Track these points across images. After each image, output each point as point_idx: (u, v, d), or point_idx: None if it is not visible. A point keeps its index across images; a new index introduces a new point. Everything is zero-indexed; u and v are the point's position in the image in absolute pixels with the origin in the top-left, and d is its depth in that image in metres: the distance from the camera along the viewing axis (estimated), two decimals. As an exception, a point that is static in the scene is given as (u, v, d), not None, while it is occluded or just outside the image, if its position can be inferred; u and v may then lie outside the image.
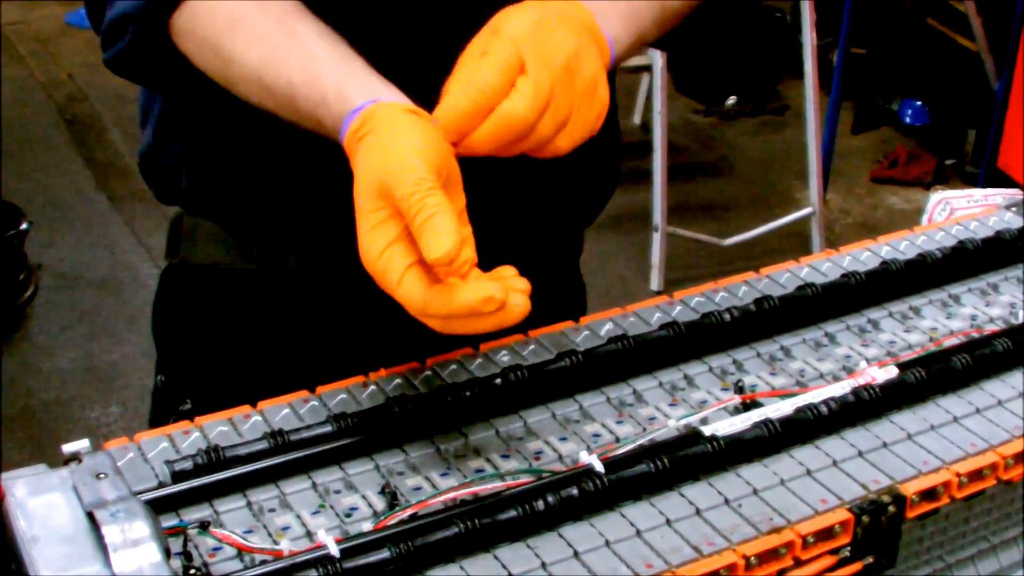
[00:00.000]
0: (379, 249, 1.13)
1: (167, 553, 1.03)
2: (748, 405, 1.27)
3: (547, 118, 1.23)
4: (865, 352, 1.38)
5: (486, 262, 1.37)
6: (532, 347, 1.36)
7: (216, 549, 1.08)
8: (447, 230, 1.09)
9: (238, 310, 1.64)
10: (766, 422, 1.20)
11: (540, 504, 1.09)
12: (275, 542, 1.09)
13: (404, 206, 1.11)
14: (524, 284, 1.16)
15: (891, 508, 1.15)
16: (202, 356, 1.69)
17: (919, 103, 5.54)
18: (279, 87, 1.31)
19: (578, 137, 1.27)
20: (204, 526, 1.09)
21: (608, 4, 1.38)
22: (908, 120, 5.56)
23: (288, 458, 1.17)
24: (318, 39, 1.32)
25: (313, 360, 1.61)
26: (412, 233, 1.11)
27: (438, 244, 1.09)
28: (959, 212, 2.11)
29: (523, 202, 1.57)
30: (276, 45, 1.32)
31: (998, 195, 1.85)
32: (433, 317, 1.13)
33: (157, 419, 1.71)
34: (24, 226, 4.14)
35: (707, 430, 1.20)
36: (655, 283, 4.31)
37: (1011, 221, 1.64)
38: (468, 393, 1.26)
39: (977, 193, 2.31)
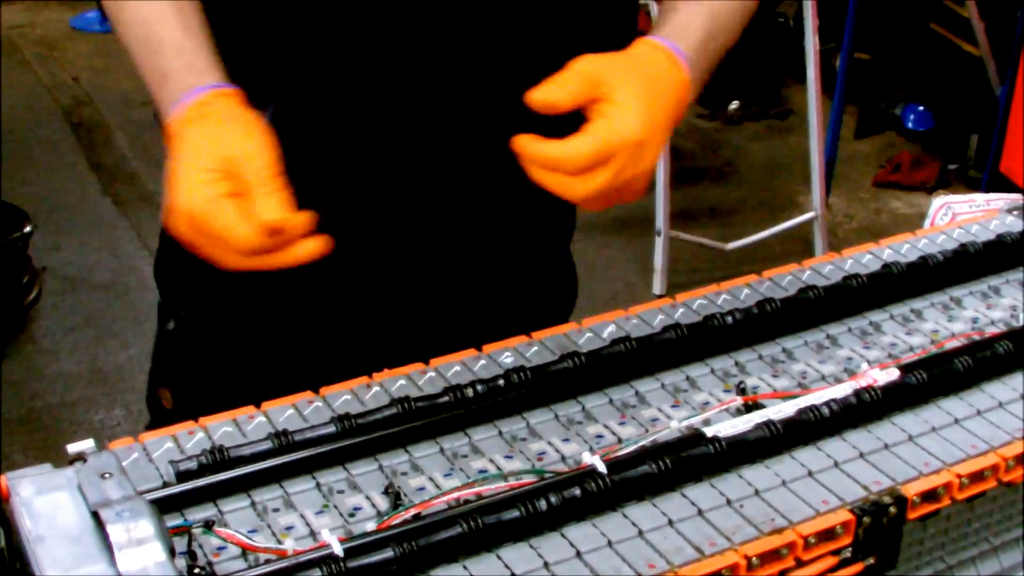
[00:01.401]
0: (212, 194, 1.27)
1: (172, 552, 1.04)
2: (750, 407, 1.28)
3: (598, 201, 1.36)
4: (867, 354, 1.39)
5: (478, 237, 1.56)
6: (535, 348, 1.37)
7: (220, 548, 1.09)
8: (284, 204, 1.27)
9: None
10: (768, 423, 1.21)
11: (543, 504, 1.10)
12: (279, 542, 1.10)
13: (256, 177, 1.29)
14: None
15: (892, 509, 1.15)
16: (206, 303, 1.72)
17: (922, 108, 5.54)
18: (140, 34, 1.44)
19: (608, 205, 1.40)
20: (208, 525, 1.10)
21: (698, 48, 1.51)
22: (911, 125, 5.56)
23: (292, 458, 1.18)
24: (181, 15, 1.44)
25: (314, 352, 1.63)
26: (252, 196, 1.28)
27: (277, 210, 1.27)
28: (961, 217, 2.11)
29: (515, 178, 1.58)
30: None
31: (1000, 199, 1.86)
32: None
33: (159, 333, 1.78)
34: (28, 229, 4.14)
35: (709, 431, 1.20)
36: (658, 287, 4.31)
37: (1012, 225, 1.64)
38: (471, 394, 1.26)
39: (979, 198, 2.32)
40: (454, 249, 1.63)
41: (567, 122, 1.38)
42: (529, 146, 1.33)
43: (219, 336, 1.71)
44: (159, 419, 1.77)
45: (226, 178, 1.29)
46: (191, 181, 1.29)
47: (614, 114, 1.34)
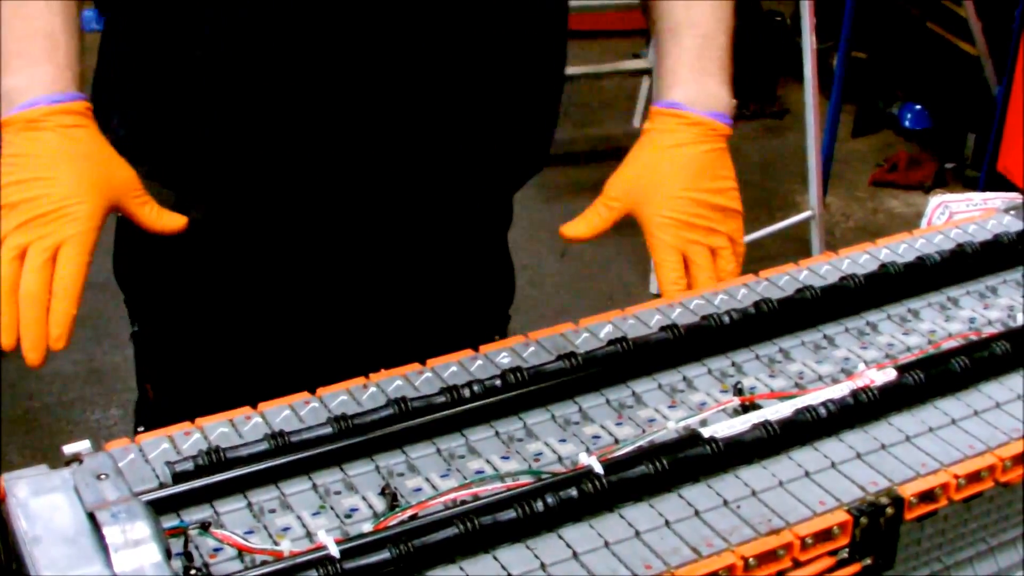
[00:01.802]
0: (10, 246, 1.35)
1: (168, 554, 1.04)
2: (747, 407, 1.28)
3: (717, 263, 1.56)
4: (864, 354, 1.39)
5: (418, 226, 1.61)
6: (532, 349, 1.36)
7: (217, 550, 1.09)
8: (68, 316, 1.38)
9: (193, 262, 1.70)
10: (765, 424, 1.21)
11: (540, 505, 1.10)
12: (275, 543, 1.09)
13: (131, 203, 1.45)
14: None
15: (889, 510, 1.15)
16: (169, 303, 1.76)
17: (919, 107, 5.54)
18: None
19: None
20: (205, 527, 1.10)
21: (715, 82, 1.58)
22: (908, 124, 5.56)
23: (288, 459, 1.17)
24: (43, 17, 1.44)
25: (270, 350, 1.67)
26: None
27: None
28: (958, 216, 2.12)
29: (452, 163, 1.62)
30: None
31: (998, 199, 1.86)
32: None
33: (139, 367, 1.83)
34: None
35: (706, 432, 1.20)
36: (655, 286, 4.32)
37: (1009, 224, 1.64)
38: (468, 394, 1.26)
39: (976, 197, 2.32)
40: (393, 241, 1.66)
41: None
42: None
43: (178, 340, 1.73)
44: (143, 410, 1.79)
45: (25, 234, 1.35)
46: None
47: (651, 244, 1.55)
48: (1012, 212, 1.68)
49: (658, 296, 1.51)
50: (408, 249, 1.68)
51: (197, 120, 1.55)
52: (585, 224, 1.54)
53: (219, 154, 1.56)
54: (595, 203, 1.54)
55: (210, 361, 1.72)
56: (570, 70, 1.79)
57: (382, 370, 1.32)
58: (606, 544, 1.09)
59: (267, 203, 1.59)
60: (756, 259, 1.52)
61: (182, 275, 1.70)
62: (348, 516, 1.13)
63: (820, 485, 1.17)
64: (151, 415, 1.78)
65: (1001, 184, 4.75)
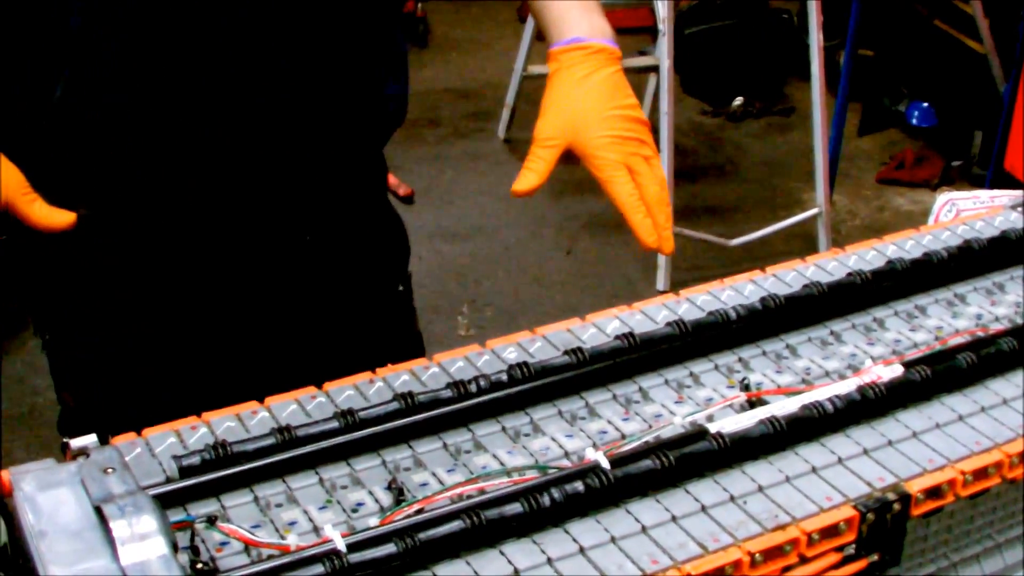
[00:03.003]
0: None
1: (175, 547, 1.04)
2: (754, 403, 1.27)
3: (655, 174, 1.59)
4: (871, 351, 1.39)
5: (296, 197, 1.69)
6: (538, 344, 1.36)
7: (223, 544, 1.09)
8: None
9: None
10: (772, 420, 1.21)
11: (546, 500, 1.10)
12: (282, 537, 1.10)
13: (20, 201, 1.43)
14: None
15: (896, 506, 1.15)
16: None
17: (926, 105, 5.53)
18: None
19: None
20: (212, 521, 1.10)
21: (599, 17, 1.67)
22: (915, 122, 5.55)
23: (295, 453, 1.18)
24: None
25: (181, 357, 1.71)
26: None
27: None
28: (965, 213, 2.11)
29: (312, 129, 1.67)
30: None
31: (1004, 196, 1.85)
32: None
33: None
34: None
35: (713, 427, 1.20)
36: (661, 283, 4.31)
37: (1016, 221, 1.64)
38: (474, 389, 1.26)
39: (983, 194, 2.31)
40: (276, 217, 1.71)
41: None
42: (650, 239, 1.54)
43: (86, 346, 1.76)
44: (66, 416, 1.80)
45: None
46: None
47: (597, 166, 1.56)
48: (1019, 209, 1.68)
49: (665, 292, 1.52)
50: (292, 223, 1.73)
51: (72, 119, 1.58)
52: (532, 174, 1.58)
53: (95, 152, 1.60)
54: (532, 151, 1.59)
55: (121, 364, 1.74)
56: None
57: (389, 365, 1.32)
58: (612, 539, 1.09)
59: (145, 197, 1.62)
60: (762, 256, 1.53)
61: (76, 281, 1.72)
62: (354, 510, 1.14)
63: (827, 481, 1.17)
64: (74, 423, 1.79)
65: (1008, 182, 4.74)
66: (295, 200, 1.70)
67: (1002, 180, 4.77)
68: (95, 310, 1.72)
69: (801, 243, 4.62)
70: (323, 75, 1.63)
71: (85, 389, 1.78)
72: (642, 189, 1.56)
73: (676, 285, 4.24)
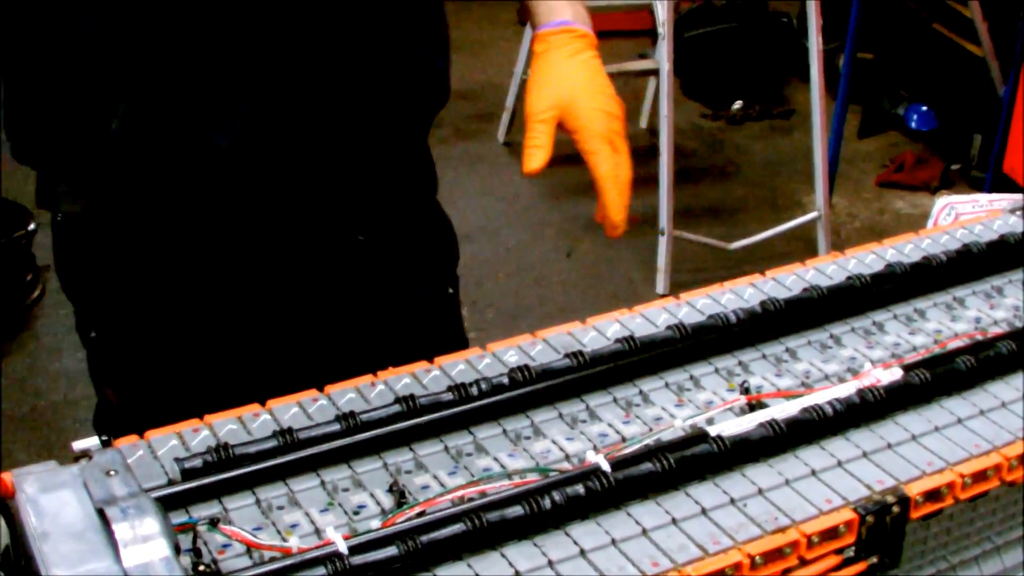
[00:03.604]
0: None
1: (177, 549, 1.04)
2: (754, 406, 1.28)
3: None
4: (870, 354, 1.39)
5: (346, 184, 1.69)
6: (539, 347, 1.37)
7: (226, 546, 1.09)
8: None
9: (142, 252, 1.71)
10: (771, 423, 1.21)
11: (547, 503, 1.10)
12: (284, 539, 1.10)
13: None
14: None
15: (895, 508, 1.16)
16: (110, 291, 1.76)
17: (925, 108, 5.53)
18: None
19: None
20: (214, 523, 1.10)
21: (581, 6, 1.75)
22: (914, 125, 5.55)
23: (297, 456, 1.18)
24: None
25: (228, 350, 1.69)
26: None
27: None
28: (964, 217, 2.12)
29: (354, 117, 1.69)
30: None
31: (1003, 200, 1.86)
32: None
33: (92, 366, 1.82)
34: (32, 227, 4.14)
35: (713, 430, 1.20)
36: (661, 286, 4.31)
37: (1015, 225, 1.65)
38: (476, 392, 1.26)
39: (982, 198, 2.32)
40: (325, 216, 1.72)
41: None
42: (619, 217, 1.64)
43: (134, 344, 1.76)
44: (104, 412, 1.81)
45: None
46: None
47: (585, 137, 1.64)
48: (1017, 213, 1.68)
49: (665, 296, 1.53)
50: (345, 221, 1.74)
51: (104, 111, 1.58)
52: (539, 151, 1.64)
53: (153, 173, 1.61)
54: (530, 128, 1.66)
55: (167, 361, 1.74)
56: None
57: (390, 368, 1.32)
58: (613, 541, 1.10)
59: (199, 199, 1.63)
60: (762, 259, 1.53)
61: (126, 277, 1.72)
62: (356, 513, 1.14)
63: (826, 484, 1.18)
64: (115, 420, 1.79)
65: (1007, 185, 4.74)
66: (349, 197, 1.72)
67: (1001, 183, 4.77)
68: (146, 307, 1.73)
69: (801, 245, 4.62)
70: (376, 52, 1.66)
71: (129, 385, 1.78)
72: (617, 168, 1.63)
73: (676, 287, 4.24)
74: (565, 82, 1.68)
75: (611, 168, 1.63)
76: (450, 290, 1.93)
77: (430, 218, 1.90)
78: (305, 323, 1.76)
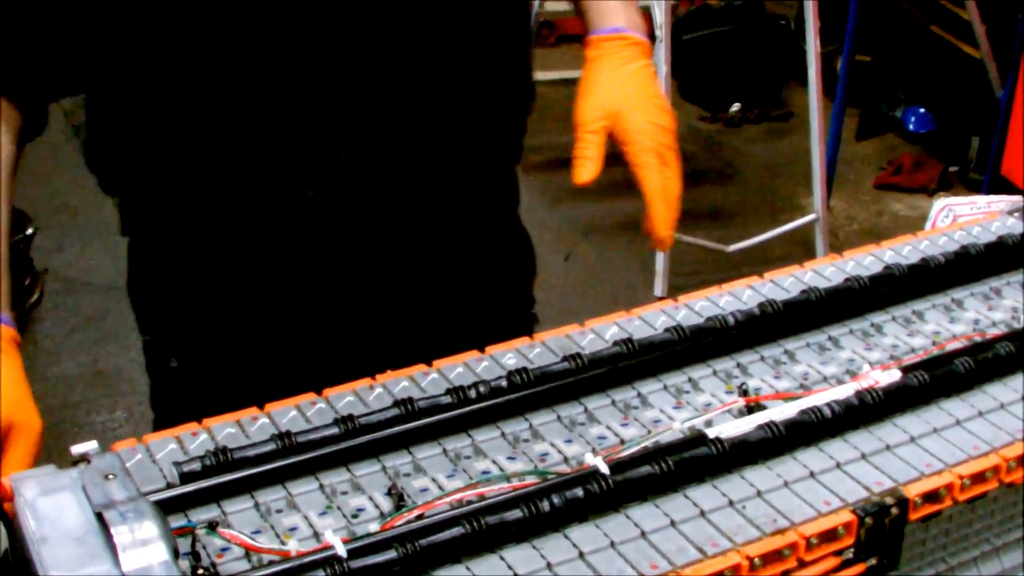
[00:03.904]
0: None
1: (176, 553, 1.04)
2: (752, 408, 1.28)
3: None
4: (868, 356, 1.39)
5: (422, 213, 1.65)
6: (538, 350, 1.37)
7: (224, 549, 1.09)
8: None
9: (215, 275, 1.70)
10: (770, 424, 1.21)
11: (546, 505, 1.10)
12: (283, 543, 1.10)
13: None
14: None
15: (894, 510, 1.16)
16: (182, 316, 1.75)
17: (923, 110, 5.54)
18: None
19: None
20: (212, 526, 1.10)
21: (635, 13, 1.72)
22: (912, 127, 5.56)
23: (295, 460, 1.18)
24: None
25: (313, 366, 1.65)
26: None
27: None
28: (962, 219, 2.12)
29: (442, 148, 1.66)
30: None
31: (1001, 202, 1.86)
32: None
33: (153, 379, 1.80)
34: (30, 231, 4.15)
35: (711, 432, 1.20)
36: (659, 289, 4.31)
37: (1013, 227, 1.65)
38: (474, 395, 1.26)
39: (980, 200, 2.33)
40: (405, 231, 1.68)
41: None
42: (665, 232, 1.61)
43: (191, 350, 1.75)
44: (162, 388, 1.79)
45: None
46: None
47: (638, 133, 1.60)
48: (1015, 214, 1.68)
49: (663, 299, 1.53)
50: (421, 237, 1.70)
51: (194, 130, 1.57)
52: (589, 162, 1.61)
53: (222, 159, 1.58)
54: (580, 139, 1.63)
55: (227, 366, 1.73)
56: (574, 74, 1.84)
57: (388, 371, 1.32)
58: (612, 544, 1.10)
59: (273, 207, 1.60)
60: (760, 261, 1.53)
61: (197, 288, 1.70)
62: (355, 516, 1.14)
63: (825, 485, 1.18)
64: (171, 394, 1.77)
65: (1005, 187, 4.75)
66: (438, 207, 1.69)
67: (999, 185, 4.78)
68: (207, 313, 1.72)
69: (799, 248, 4.63)
70: (475, 60, 1.65)
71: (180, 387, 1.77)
72: (667, 182, 1.60)
73: (674, 290, 4.24)
74: (616, 92, 1.65)
75: (660, 182, 1.60)
76: (532, 311, 1.92)
77: (511, 233, 1.87)
78: (380, 337, 1.72)
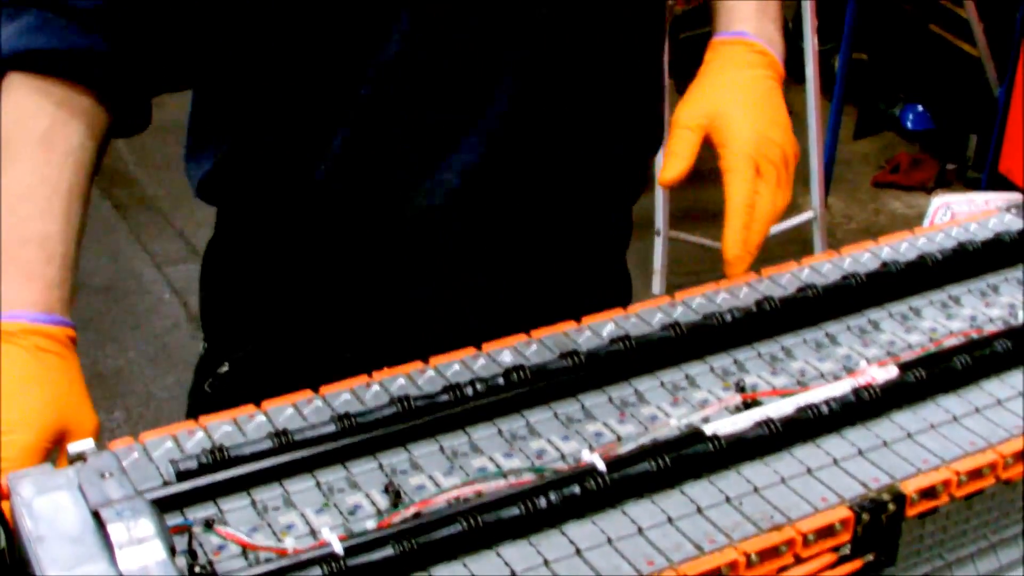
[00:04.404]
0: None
1: (172, 551, 1.04)
2: (749, 404, 1.28)
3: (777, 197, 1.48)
4: (865, 352, 1.39)
5: (531, 246, 1.57)
6: (534, 347, 1.37)
7: (221, 547, 1.09)
8: None
9: (287, 279, 1.65)
10: (767, 421, 1.21)
11: (543, 502, 1.10)
12: (279, 540, 1.10)
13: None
14: None
15: (891, 506, 1.16)
16: (241, 324, 1.71)
17: (921, 108, 5.55)
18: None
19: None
20: (209, 524, 1.10)
21: (774, 29, 1.58)
22: (910, 125, 5.57)
23: (292, 457, 1.18)
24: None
25: (330, 348, 1.62)
26: None
27: None
28: (960, 216, 2.12)
29: (571, 188, 1.59)
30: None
31: (1000, 199, 1.86)
32: None
33: (196, 385, 1.73)
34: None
35: (708, 429, 1.20)
36: (657, 287, 4.32)
37: (1011, 223, 1.65)
38: (471, 392, 1.26)
39: (978, 198, 2.32)
40: (507, 258, 1.62)
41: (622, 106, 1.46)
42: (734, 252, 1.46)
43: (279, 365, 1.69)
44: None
45: (50, 445, 1.28)
46: None
47: (727, 154, 1.46)
48: (1013, 211, 1.68)
49: (660, 296, 1.51)
50: (524, 270, 1.63)
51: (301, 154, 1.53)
52: (678, 160, 1.51)
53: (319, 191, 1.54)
54: (673, 137, 1.50)
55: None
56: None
57: (385, 368, 1.32)
58: (609, 540, 1.10)
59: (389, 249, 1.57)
60: (758, 260, 1.52)
61: (267, 303, 1.67)
62: (352, 513, 1.14)
63: (822, 482, 1.18)
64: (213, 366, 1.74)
65: (1003, 185, 4.76)
66: (538, 243, 1.61)
67: (997, 183, 4.79)
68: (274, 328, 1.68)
69: (797, 247, 4.63)
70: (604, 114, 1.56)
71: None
72: (758, 198, 1.48)
73: (672, 288, 4.22)
74: (723, 93, 1.50)
75: (747, 194, 1.45)
76: None
77: (614, 273, 1.79)
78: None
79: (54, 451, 1.30)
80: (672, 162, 1.51)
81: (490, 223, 1.56)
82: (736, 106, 1.49)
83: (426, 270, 1.59)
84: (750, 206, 1.46)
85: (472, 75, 1.47)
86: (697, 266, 4.51)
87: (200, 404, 1.72)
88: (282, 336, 1.67)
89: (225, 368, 1.69)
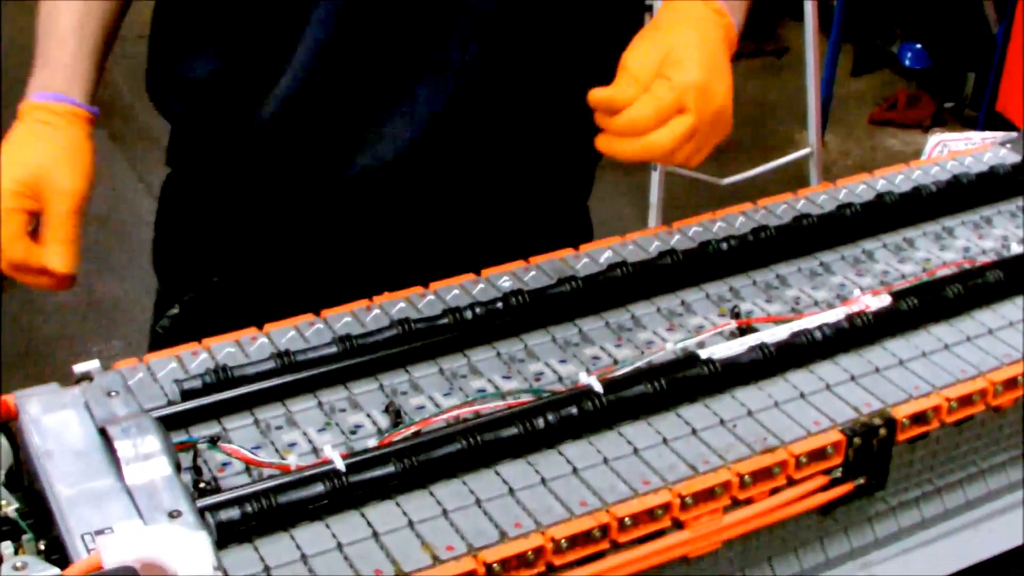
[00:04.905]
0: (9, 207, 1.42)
1: (178, 467, 1.06)
2: (744, 330, 1.30)
3: (687, 148, 1.32)
4: (859, 281, 1.41)
5: (493, 198, 1.55)
6: (533, 272, 1.38)
7: (225, 464, 1.11)
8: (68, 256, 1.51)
9: (240, 219, 1.66)
10: (761, 346, 1.23)
11: (540, 423, 1.12)
12: (282, 458, 1.12)
13: (53, 217, 1.46)
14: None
15: (882, 431, 1.18)
16: (193, 266, 1.72)
17: (919, 46, 5.52)
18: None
19: (705, 154, 1.36)
20: (214, 441, 1.12)
21: (740, 8, 1.54)
22: (908, 63, 5.54)
23: (294, 378, 1.20)
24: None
25: (310, 276, 1.64)
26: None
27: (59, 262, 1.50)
28: (956, 153, 2.13)
29: (530, 137, 1.59)
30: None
31: (996, 137, 1.87)
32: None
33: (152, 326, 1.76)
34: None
35: (704, 353, 1.22)
36: (653, 222, 4.32)
37: (1005, 157, 1.66)
38: (470, 316, 1.28)
39: (975, 136, 2.33)
40: (469, 201, 1.62)
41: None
42: (606, 119, 1.31)
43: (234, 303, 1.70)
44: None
45: (27, 196, 1.43)
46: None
47: (674, 67, 1.31)
48: (1008, 145, 1.69)
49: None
50: (486, 214, 1.63)
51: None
52: (614, 88, 1.34)
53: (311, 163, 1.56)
54: (619, 79, 1.35)
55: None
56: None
57: (386, 293, 1.33)
58: (605, 460, 1.12)
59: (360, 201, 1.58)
60: (753, 196, 1.54)
61: (221, 227, 1.68)
62: (353, 432, 1.16)
63: (815, 406, 1.20)
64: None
65: (1000, 124, 4.75)
66: (504, 204, 1.63)
67: (994, 122, 4.78)
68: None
69: (793, 183, 4.60)
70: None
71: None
72: (639, 105, 1.32)
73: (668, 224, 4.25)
74: (676, 45, 1.35)
75: (652, 102, 1.30)
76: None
77: (577, 222, 1.81)
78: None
79: (33, 222, 1.45)
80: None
81: (443, 175, 1.57)
82: (689, 56, 1.35)
83: (375, 220, 1.60)
84: (614, 102, 1.31)
85: (427, 19, 1.48)
86: (692, 200, 4.50)
87: (156, 345, 1.71)
88: (234, 279, 1.68)
89: (176, 310, 1.71)
